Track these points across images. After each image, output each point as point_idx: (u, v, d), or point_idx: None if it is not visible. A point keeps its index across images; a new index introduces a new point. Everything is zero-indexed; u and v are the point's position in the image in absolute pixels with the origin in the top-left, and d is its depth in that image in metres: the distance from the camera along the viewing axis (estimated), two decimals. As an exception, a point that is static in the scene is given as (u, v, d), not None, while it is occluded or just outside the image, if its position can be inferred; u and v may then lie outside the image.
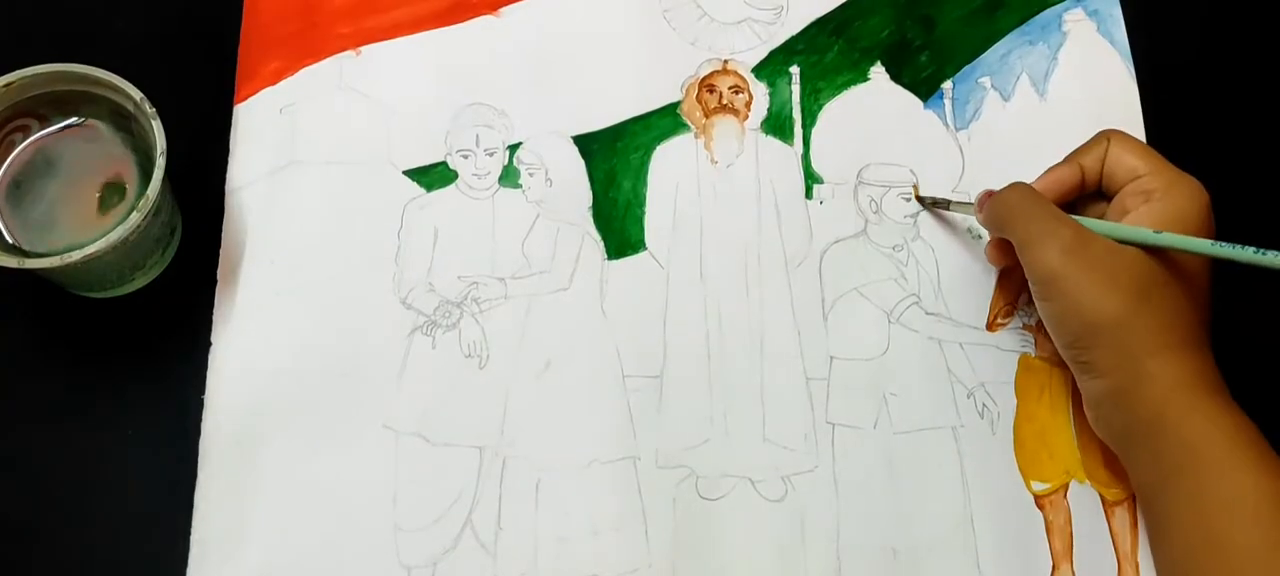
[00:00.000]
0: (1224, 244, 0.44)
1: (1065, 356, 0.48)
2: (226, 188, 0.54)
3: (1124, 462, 0.48)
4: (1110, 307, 0.45)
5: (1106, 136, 0.51)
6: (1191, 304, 0.47)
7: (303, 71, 0.57)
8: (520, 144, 0.56)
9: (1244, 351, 0.49)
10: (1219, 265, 0.48)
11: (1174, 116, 0.59)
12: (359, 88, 0.57)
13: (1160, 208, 0.47)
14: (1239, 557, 0.42)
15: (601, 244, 0.55)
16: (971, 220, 0.55)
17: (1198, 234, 0.47)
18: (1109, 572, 0.50)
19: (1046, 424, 0.53)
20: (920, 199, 0.56)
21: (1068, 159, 0.52)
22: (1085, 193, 0.51)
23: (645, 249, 0.55)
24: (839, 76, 0.59)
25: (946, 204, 0.55)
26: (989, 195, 0.52)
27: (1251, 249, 0.43)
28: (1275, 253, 0.43)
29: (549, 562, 0.49)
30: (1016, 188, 0.51)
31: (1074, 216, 0.48)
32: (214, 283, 0.52)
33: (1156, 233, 0.46)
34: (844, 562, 0.50)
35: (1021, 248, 0.48)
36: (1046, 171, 0.52)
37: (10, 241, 0.48)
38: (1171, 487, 0.45)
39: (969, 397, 0.53)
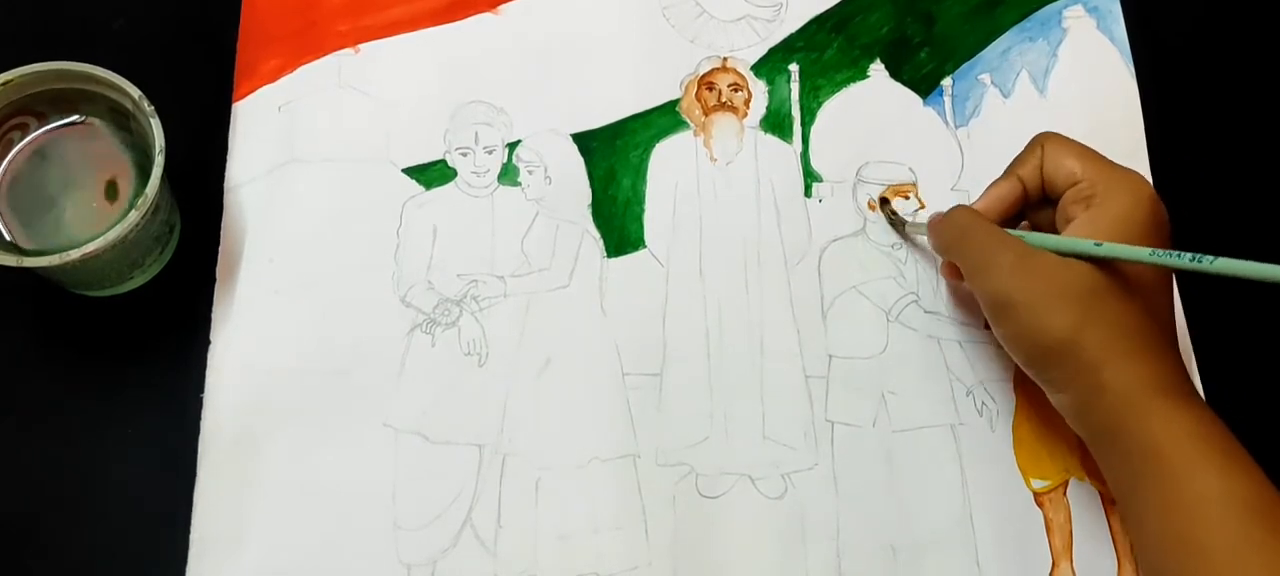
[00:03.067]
0: (1162, 252, 0.44)
1: (1028, 373, 0.48)
2: (225, 186, 0.54)
3: (1099, 466, 0.48)
4: (1060, 326, 0.45)
5: (1040, 142, 0.50)
6: (1145, 307, 0.46)
7: (301, 69, 0.57)
8: (519, 141, 0.56)
9: (1225, 351, 0.49)
10: None
11: (1173, 113, 0.59)
12: (358, 85, 0.57)
13: (1102, 212, 0.46)
14: (1211, 558, 0.42)
15: (601, 242, 0.55)
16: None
17: (1145, 229, 0.46)
18: (1109, 570, 0.50)
19: (1045, 421, 0.53)
20: (883, 205, 0.56)
21: (1006, 172, 0.51)
22: (1030, 203, 0.51)
23: (645, 247, 0.55)
24: (838, 74, 0.59)
25: (903, 225, 0.55)
26: (936, 219, 0.51)
27: (1187, 255, 0.43)
28: (1212, 258, 0.42)
29: (549, 560, 0.49)
30: (959, 211, 0.50)
31: (1018, 232, 0.48)
32: (213, 281, 0.52)
33: (1097, 244, 0.45)
34: (843, 560, 0.50)
35: (969, 273, 0.48)
36: (987, 188, 0.51)
37: (9, 240, 0.48)
38: (1140, 491, 0.44)
39: (968, 395, 0.53)
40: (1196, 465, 0.43)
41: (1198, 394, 0.46)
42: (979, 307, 0.49)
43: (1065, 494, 0.52)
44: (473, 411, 0.51)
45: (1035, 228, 0.51)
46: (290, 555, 0.48)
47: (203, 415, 0.50)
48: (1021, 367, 0.48)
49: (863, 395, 0.53)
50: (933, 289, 0.55)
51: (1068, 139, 0.50)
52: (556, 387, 0.52)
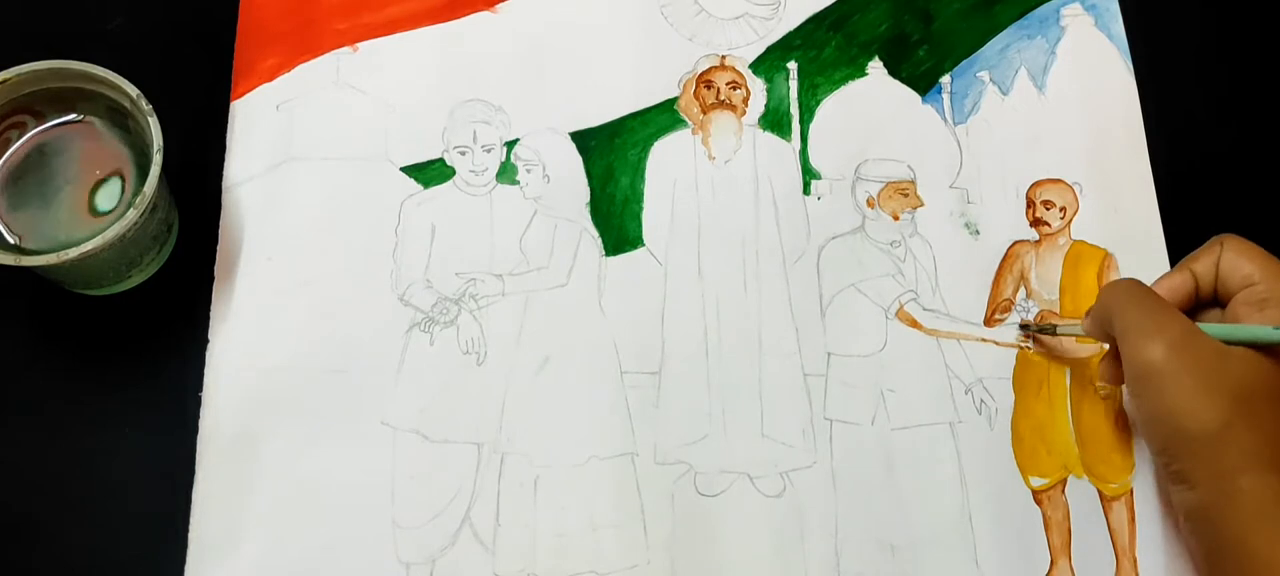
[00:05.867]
0: None
1: (1155, 461, 0.45)
2: (223, 184, 0.54)
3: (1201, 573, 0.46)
4: (1208, 416, 0.42)
5: (1220, 242, 0.48)
6: None
7: (300, 68, 0.57)
8: (517, 140, 0.56)
9: None
10: None
11: (1172, 111, 0.59)
12: (356, 84, 0.57)
13: (1276, 315, 0.44)
14: None
15: (599, 240, 0.55)
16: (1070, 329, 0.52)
17: None
18: (1107, 568, 0.50)
19: (1044, 419, 0.53)
20: (1025, 326, 0.54)
21: (1180, 266, 0.49)
22: (1201, 302, 0.48)
23: (643, 245, 0.55)
24: (837, 71, 0.59)
25: (1053, 329, 0.53)
26: (1107, 284, 0.49)
27: None
28: None
29: (547, 559, 0.49)
30: (1126, 281, 0.48)
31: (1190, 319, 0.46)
32: (211, 280, 0.52)
33: (1274, 329, 0.43)
34: (842, 558, 0.50)
35: (1122, 335, 0.45)
36: (1159, 279, 0.49)
37: (7, 239, 0.48)
38: None
39: (967, 393, 0.53)
40: None
41: None
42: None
43: (1064, 491, 0.51)
44: (471, 410, 0.51)
45: None
46: (289, 553, 0.48)
47: (201, 414, 0.50)
48: (1153, 456, 0.45)
49: (861, 393, 0.53)
50: (931, 286, 0.55)
51: (1249, 243, 0.47)
52: (555, 386, 0.52)
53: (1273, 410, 0.43)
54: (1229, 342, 0.44)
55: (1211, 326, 0.45)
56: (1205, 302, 0.49)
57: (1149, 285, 0.48)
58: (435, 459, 0.50)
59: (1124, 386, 0.45)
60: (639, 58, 0.58)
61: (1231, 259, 0.47)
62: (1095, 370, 0.52)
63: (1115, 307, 0.46)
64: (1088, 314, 0.49)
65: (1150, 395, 0.44)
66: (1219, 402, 0.42)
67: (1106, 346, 0.50)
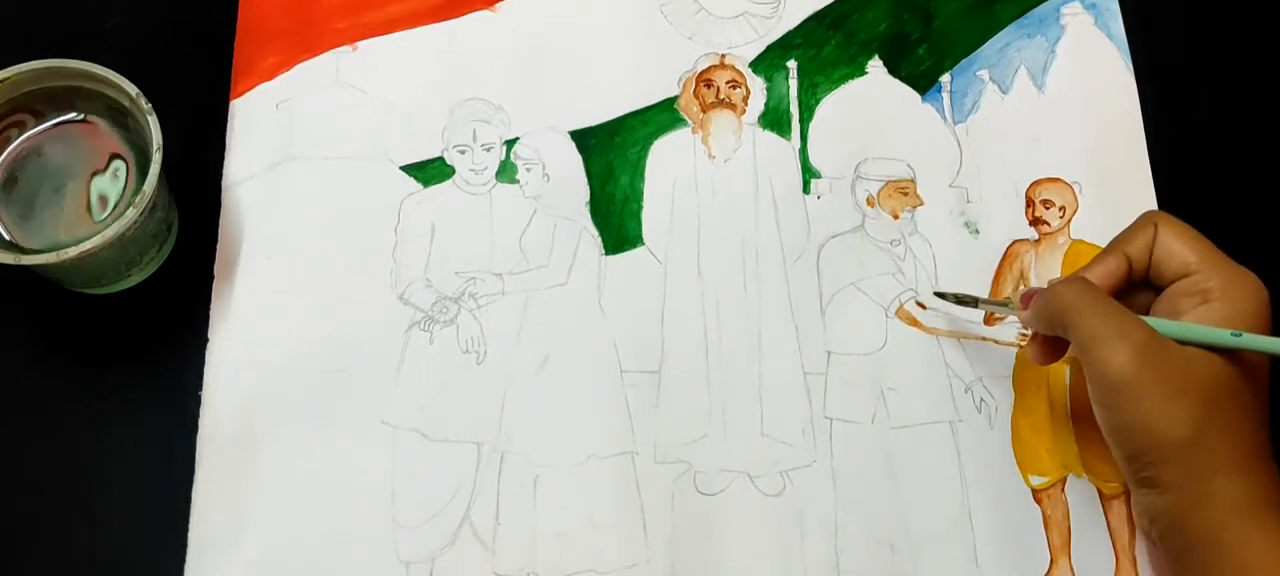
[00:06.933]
0: None
1: (1123, 468, 0.45)
2: (223, 183, 0.54)
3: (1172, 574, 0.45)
4: (1181, 424, 0.42)
5: (1153, 223, 0.47)
6: (1259, 415, 0.44)
7: (299, 67, 0.57)
8: (517, 139, 0.56)
9: None
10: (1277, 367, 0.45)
11: (1171, 111, 0.59)
12: (356, 83, 0.57)
13: (1220, 310, 0.44)
14: None
15: (599, 239, 0.55)
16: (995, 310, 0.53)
17: (1260, 333, 0.44)
18: (1107, 567, 0.50)
19: (1044, 418, 0.53)
20: (941, 294, 0.53)
21: (1112, 247, 0.48)
22: (1134, 283, 0.48)
23: (643, 244, 0.55)
24: (836, 70, 0.59)
25: (974, 301, 0.52)
26: (1031, 294, 0.48)
27: None
28: None
29: (547, 558, 0.49)
30: (1074, 282, 0.46)
31: (1143, 317, 0.45)
32: (211, 279, 0.52)
33: (1236, 334, 0.42)
34: (842, 557, 0.50)
35: (1085, 347, 0.44)
36: (1092, 263, 0.48)
37: (6, 238, 0.48)
38: None
39: (966, 392, 0.53)
40: None
41: None
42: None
43: (1063, 490, 0.52)
44: (471, 409, 0.51)
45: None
46: (288, 552, 0.48)
47: (201, 413, 0.50)
48: (1120, 463, 0.45)
49: (861, 391, 0.53)
50: (931, 285, 0.55)
51: (1181, 223, 0.47)
52: (555, 385, 0.52)
53: (1237, 410, 0.43)
54: (1183, 342, 0.44)
55: (1166, 324, 0.44)
56: (1136, 284, 0.48)
57: (1084, 271, 0.47)
58: (435, 457, 0.50)
59: (1088, 396, 0.45)
60: (639, 56, 0.58)
61: (1167, 243, 0.46)
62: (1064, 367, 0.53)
63: (1071, 314, 0.45)
64: (1029, 306, 0.48)
65: (1120, 406, 0.43)
66: (1190, 409, 0.42)
67: (1028, 331, 0.50)
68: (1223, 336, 0.43)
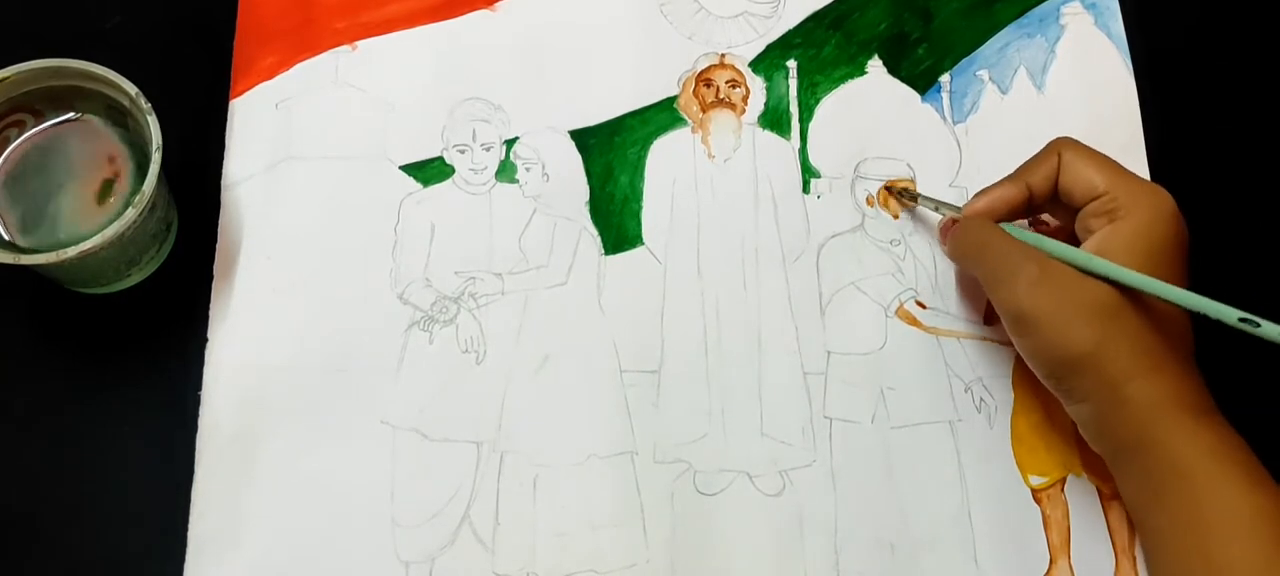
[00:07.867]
0: (1207, 302, 0.42)
1: (1048, 386, 0.47)
2: (222, 183, 0.54)
3: (1115, 480, 0.48)
4: (1082, 340, 0.44)
5: (1057, 149, 0.49)
6: (1168, 322, 0.46)
7: (299, 66, 0.57)
8: (517, 138, 0.56)
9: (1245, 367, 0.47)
10: (1198, 270, 0.47)
11: (1171, 110, 0.59)
12: (355, 82, 0.57)
13: (1126, 227, 0.46)
14: (1234, 575, 0.41)
15: (598, 239, 0.55)
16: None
17: (1168, 245, 0.46)
18: (1106, 567, 0.50)
19: (1044, 418, 0.53)
20: (889, 188, 0.56)
21: (1015, 175, 0.50)
22: (1035, 207, 0.50)
23: (642, 244, 0.55)
24: (836, 70, 0.59)
25: (916, 197, 0.55)
26: (951, 224, 0.51)
27: (1235, 313, 0.41)
28: (1265, 322, 0.41)
29: (547, 558, 0.49)
30: (973, 223, 0.50)
31: (1039, 241, 0.47)
32: (210, 278, 0.52)
33: (1123, 269, 0.44)
34: (841, 557, 0.50)
35: (988, 286, 0.48)
36: (991, 187, 0.50)
37: (6, 238, 0.48)
38: (1160, 507, 0.44)
39: (966, 392, 0.53)
40: (1220, 482, 0.43)
41: (1219, 412, 0.46)
42: (981, 299, 0.49)
43: (1063, 490, 0.52)
44: (470, 408, 0.51)
45: (1044, 226, 0.51)
46: (288, 552, 0.48)
47: (200, 412, 0.50)
48: (1042, 380, 0.47)
49: (861, 391, 0.53)
50: (931, 285, 0.55)
51: (1086, 148, 0.49)
52: (554, 385, 0.52)
53: (1138, 321, 0.45)
54: (1084, 271, 0.46)
55: (1063, 248, 0.46)
56: (1039, 208, 0.50)
57: (979, 196, 0.50)
58: (434, 457, 0.50)
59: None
60: (638, 56, 0.58)
61: (1073, 169, 0.48)
62: None
63: (971, 257, 0.49)
64: (943, 238, 0.53)
65: (1025, 334, 0.46)
66: (1090, 325, 0.45)
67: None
68: (1112, 269, 0.45)
